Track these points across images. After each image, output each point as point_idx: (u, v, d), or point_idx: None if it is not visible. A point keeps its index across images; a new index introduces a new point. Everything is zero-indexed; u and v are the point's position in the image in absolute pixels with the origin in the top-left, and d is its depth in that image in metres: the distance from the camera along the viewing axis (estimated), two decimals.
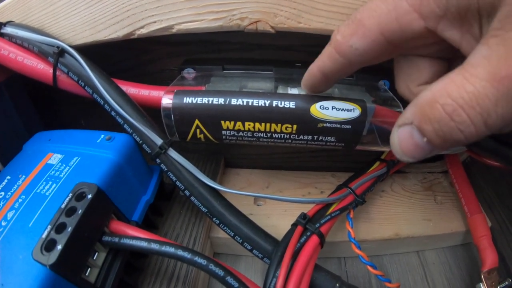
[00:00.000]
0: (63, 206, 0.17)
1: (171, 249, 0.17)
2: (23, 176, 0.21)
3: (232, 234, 0.22)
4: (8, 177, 0.21)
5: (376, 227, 0.29)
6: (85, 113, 0.33)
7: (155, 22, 0.22)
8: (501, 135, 0.23)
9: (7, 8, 0.25)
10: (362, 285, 0.29)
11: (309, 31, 0.21)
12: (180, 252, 0.17)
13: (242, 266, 0.30)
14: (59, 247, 0.16)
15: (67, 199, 0.18)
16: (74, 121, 0.33)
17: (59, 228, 0.17)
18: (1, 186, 0.21)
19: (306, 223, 0.22)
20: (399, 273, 0.30)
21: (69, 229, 0.16)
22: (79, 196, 0.18)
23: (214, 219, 0.22)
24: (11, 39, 0.25)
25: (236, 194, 0.22)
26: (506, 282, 0.25)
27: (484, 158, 0.28)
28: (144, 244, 0.18)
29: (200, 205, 0.22)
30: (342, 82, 0.25)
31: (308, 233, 0.22)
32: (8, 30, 0.24)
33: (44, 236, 0.16)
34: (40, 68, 0.24)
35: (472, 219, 0.29)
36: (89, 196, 0.18)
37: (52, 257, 0.15)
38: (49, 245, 0.16)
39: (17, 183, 0.21)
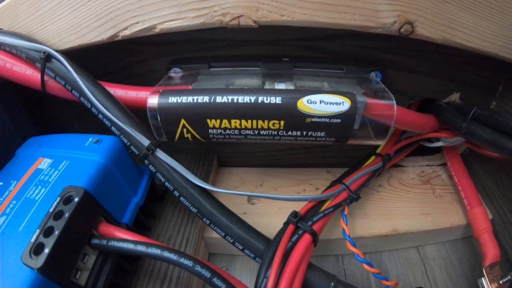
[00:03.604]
0: (51, 210, 0.18)
1: (157, 251, 0.17)
2: (15, 182, 0.21)
3: (223, 234, 0.21)
4: (0, 183, 0.22)
5: (373, 223, 0.29)
6: (77, 117, 0.33)
7: (137, 22, 0.22)
8: (499, 124, 0.22)
9: None
10: (361, 283, 0.28)
11: (293, 23, 0.21)
12: (166, 254, 0.17)
13: (238, 266, 0.29)
14: (47, 250, 0.16)
15: (55, 203, 0.18)
16: (68, 125, 0.33)
17: (47, 232, 0.17)
18: None
19: (298, 221, 0.22)
20: (399, 269, 0.29)
21: (56, 232, 0.17)
22: (67, 200, 0.18)
23: (204, 219, 0.22)
24: None
25: (227, 193, 0.22)
26: (509, 276, 0.24)
27: (483, 149, 0.27)
28: (130, 246, 0.18)
29: (190, 205, 0.22)
30: (331, 75, 0.25)
31: (300, 232, 0.21)
32: None
33: (32, 240, 0.16)
34: (28, 74, 0.25)
35: (472, 212, 0.28)
36: (76, 199, 0.18)
37: (40, 260, 0.15)
38: (37, 249, 0.16)
39: (9, 189, 0.21)
